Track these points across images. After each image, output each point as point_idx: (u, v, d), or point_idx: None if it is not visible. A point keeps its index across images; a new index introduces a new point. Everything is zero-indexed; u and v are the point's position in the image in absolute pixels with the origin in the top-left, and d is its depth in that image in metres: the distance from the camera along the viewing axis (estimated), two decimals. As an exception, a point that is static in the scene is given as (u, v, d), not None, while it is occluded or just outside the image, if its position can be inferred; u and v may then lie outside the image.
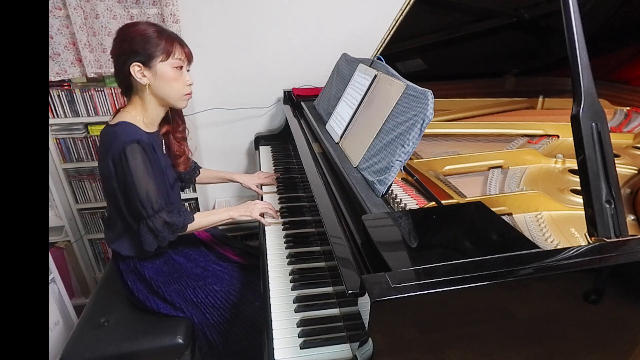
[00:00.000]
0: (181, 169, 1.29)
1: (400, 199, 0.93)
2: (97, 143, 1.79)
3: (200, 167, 1.53)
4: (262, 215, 1.28)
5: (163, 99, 1.14)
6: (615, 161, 0.72)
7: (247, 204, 1.29)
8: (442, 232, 0.75)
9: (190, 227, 1.18)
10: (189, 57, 1.15)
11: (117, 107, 1.23)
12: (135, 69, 1.07)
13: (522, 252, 0.65)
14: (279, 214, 1.33)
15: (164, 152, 1.26)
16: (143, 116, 1.14)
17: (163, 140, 1.26)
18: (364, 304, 0.59)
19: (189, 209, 2.04)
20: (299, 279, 1.04)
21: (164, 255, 1.26)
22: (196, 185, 1.93)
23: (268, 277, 1.06)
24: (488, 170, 1.17)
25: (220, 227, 1.53)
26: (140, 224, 1.10)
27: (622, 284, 0.66)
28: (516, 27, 1.55)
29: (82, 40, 1.58)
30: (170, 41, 1.09)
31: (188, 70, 1.16)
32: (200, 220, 1.20)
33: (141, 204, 1.07)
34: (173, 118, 1.25)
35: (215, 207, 2.11)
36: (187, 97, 1.16)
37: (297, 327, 0.89)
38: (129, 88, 1.13)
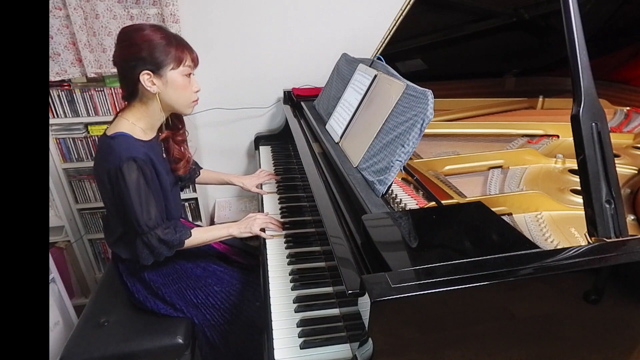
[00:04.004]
0: (181, 172, 1.26)
1: (400, 199, 0.93)
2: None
3: (201, 168, 1.52)
4: (262, 230, 1.24)
5: (170, 106, 1.11)
6: (615, 161, 0.72)
7: (248, 220, 1.25)
8: (442, 232, 0.75)
9: (188, 243, 1.15)
10: (196, 63, 1.12)
11: (117, 109, 1.19)
12: (145, 78, 1.02)
13: (522, 252, 0.65)
14: (282, 225, 1.28)
15: (164, 156, 1.23)
16: (143, 122, 1.11)
17: (163, 146, 1.23)
18: (364, 304, 0.59)
19: (189, 209, 2.03)
20: (299, 279, 1.04)
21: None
22: (196, 185, 1.94)
23: (268, 277, 1.06)
24: (488, 170, 1.17)
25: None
26: (136, 239, 1.09)
27: (622, 284, 0.66)
28: (516, 27, 1.55)
29: (82, 40, 1.58)
30: (181, 48, 1.05)
31: (194, 75, 1.13)
32: (199, 236, 1.18)
33: (136, 222, 1.05)
34: (172, 122, 1.22)
35: (215, 207, 2.11)
36: (194, 104, 1.14)
37: (297, 327, 0.89)
38: (133, 94, 1.09)
